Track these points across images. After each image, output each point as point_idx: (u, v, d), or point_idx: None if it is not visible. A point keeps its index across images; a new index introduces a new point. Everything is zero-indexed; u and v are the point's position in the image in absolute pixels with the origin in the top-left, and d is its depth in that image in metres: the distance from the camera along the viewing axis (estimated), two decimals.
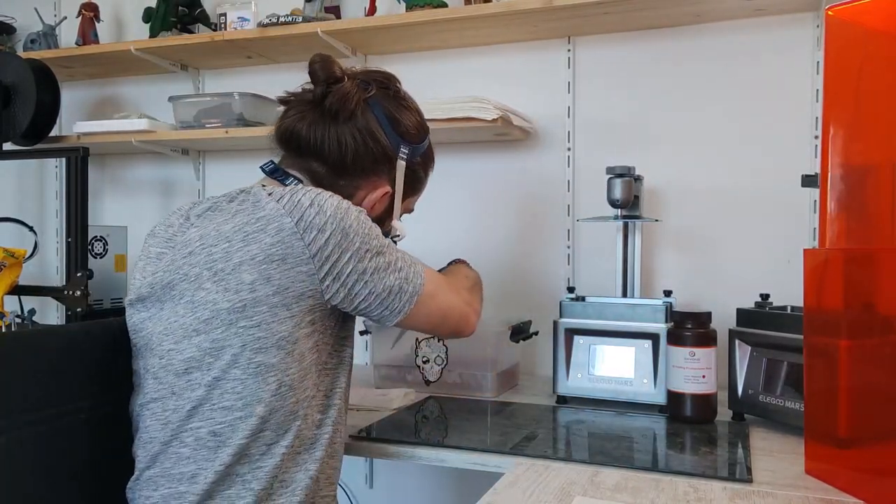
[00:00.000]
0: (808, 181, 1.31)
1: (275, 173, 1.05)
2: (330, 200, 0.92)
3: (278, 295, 0.89)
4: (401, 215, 1.16)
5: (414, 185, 1.15)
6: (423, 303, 1.00)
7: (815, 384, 0.97)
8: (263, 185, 1.00)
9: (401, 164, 1.09)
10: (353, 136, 1.04)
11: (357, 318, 1.04)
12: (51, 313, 2.31)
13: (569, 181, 1.79)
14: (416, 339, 1.50)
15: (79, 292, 1.86)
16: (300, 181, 1.04)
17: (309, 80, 1.06)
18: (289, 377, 0.91)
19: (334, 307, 0.95)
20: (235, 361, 0.89)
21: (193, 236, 0.95)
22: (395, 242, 1.11)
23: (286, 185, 1.02)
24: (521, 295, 1.82)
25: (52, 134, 2.08)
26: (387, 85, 1.10)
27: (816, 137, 1.58)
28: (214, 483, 0.89)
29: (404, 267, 0.98)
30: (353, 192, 1.07)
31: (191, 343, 0.91)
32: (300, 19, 1.81)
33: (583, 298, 1.46)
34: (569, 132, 1.79)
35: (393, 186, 1.10)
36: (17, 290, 2.00)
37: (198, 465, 0.90)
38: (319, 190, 0.94)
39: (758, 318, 1.26)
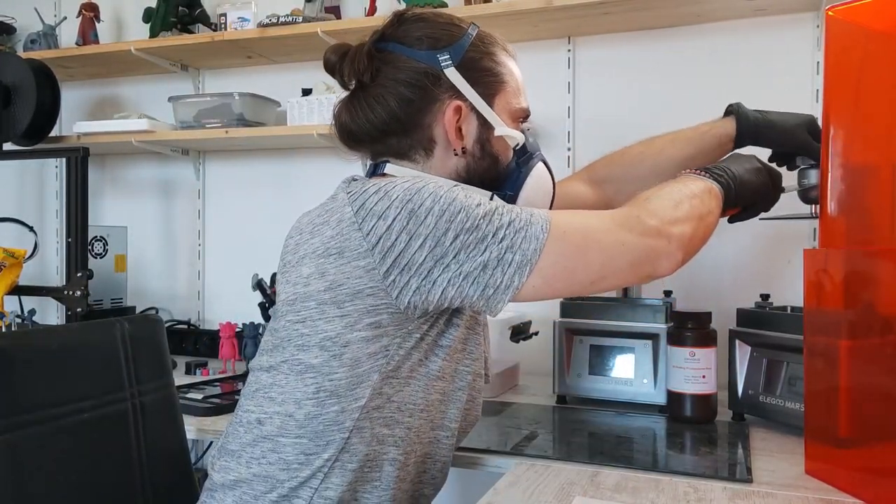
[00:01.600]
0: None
1: (376, 169, 0.94)
2: (403, 185, 0.79)
3: (330, 291, 0.81)
4: (516, 121, 0.96)
5: (490, 81, 0.93)
6: (545, 272, 0.80)
7: (815, 384, 0.97)
8: (353, 178, 0.90)
9: (450, 72, 0.90)
10: (385, 87, 0.90)
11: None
12: (51, 313, 2.30)
13: None
14: None
15: (79, 292, 1.86)
16: (388, 161, 0.93)
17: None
18: (331, 382, 0.82)
19: (416, 307, 0.81)
20: (283, 356, 0.86)
21: (291, 231, 0.91)
22: (516, 150, 0.95)
23: (383, 176, 0.92)
24: None
25: (52, 134, 2.08)
26: (391, 20, 0.97)
27: None
28: (249, 474, 0.86)
29: (509, 234, 0.79)
30: (431, 135, 0.91)
31: (267, 330, 0.91)
32: (300, 19, 1.81)
33: (583, 298, 1.46)
34: (569, 132, 1.79)
35: (462, 97, 0.91)
36: (17, 290, 2.00)
37: (241, 448, 0.88)
38: (408, 178, 0.82)
39: (758, 318, 1.26)
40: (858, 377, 0.90)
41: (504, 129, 0.93)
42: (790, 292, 1.52)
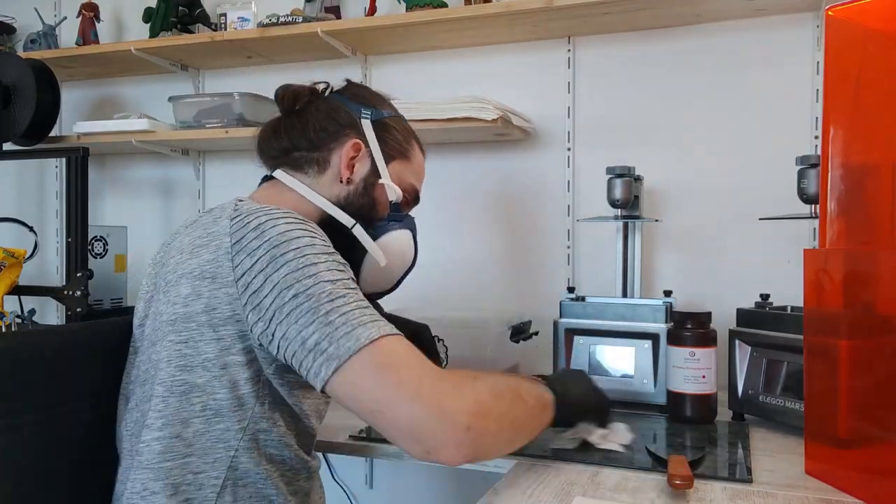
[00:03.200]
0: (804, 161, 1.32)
1: (265, 178, 1.08)
2: (279, 227, 0.83)
3: (206, 314, 0.84)
4: (403, 191, 1.09)
5: (394, 146, 1.08)
6: (348, 377, 0.78)
7: (815, 384, 0.97)
8: (238, 200, 0.95)
9: (365, 123, 1.06)
10: (312, 115, 1.05)
11: None
12: (51, 313, 2.30)
13: (569, 181, 1.79)
14: None
15: (79, 292, 1.86)
16: (281, 168, 1.05)
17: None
18: (216, 401, 0.85)
19: (266, 348, 0.84)
20: (161, 378, 0.86)
21: (171, 249, 0.94)
22: (391, 205, 1.07)
23: (272, 185, 1.05)
24: (521, 295, 1.82)
25: (52, 134, 2.08)
26: (343, 84, 1.12)
27: (816, 137, 1.58)
28: None
29: (339, 324, 0.78)
30: (329, 158, 1.04)
31: (146, 355, 0.91)
32: (300, 19, 1.81)
33: (583, 298, 1.46)
34: (569, 132, 1.79)
35: (365, 142, 1.05)
36: (17, 290, 2.00)
37: (144, 485, 0.86)
38: (284, 214, 0.86)
39: (758, 318, 1.26)
40: (858, 377, 0.90)
41: (387, 181, 1.05)
42: (790, 292, 1.52)
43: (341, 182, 1.03)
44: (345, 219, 1.01)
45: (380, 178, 1.05)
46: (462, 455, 0.79)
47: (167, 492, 0.84)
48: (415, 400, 0.78)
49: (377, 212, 1.05)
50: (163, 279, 0.91)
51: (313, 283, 0.80)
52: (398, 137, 1.09)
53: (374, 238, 1.03)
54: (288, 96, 1.06)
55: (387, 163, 1.06)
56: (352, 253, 0.99)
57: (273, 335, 0.81)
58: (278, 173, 1.04)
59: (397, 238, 1.05)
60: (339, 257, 0.86)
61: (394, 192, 1.06)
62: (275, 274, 0.80)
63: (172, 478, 0.84)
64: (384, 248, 1.03)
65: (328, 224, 0.99)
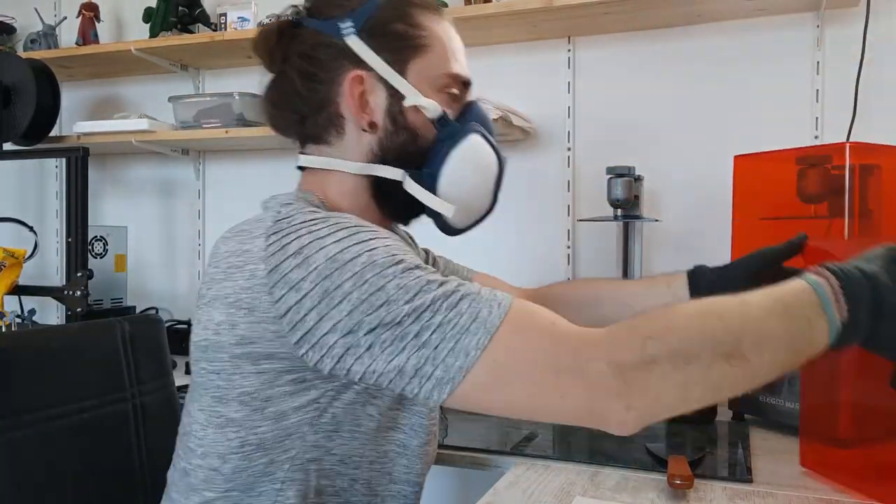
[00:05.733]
0: None
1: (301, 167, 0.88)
2: (326, 249, 0.67)
3: (241, 346, 0.71)
4: (442, 90, 0.83)
5: (399, 44, 0.81)
6: (468, 393, 0.65)
7: (814, 384, 0.97)
8: (282, 205, 0.78)
9: (352, 40, 0.79)
10: (291, 66, 0.81)
11: None
12: (51, 313, 2.30)
13: (569, 181, 1.79)
14: None
15: (79, 292, 1.86)
16: (304, 152, 0.86)
17: None
18: (256, 436, 0.73)
19: (337, 376, 0.71)
20: (200, 405, 0.76)
21: (215, 252, 0.79)
22: (437, 122, 0.81)
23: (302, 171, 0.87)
24: None
25: (52, 134, 2.08)
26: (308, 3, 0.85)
27: (816, 137, 1.58)
28: None
29: (436, 342, 0.64)
30: (339, 111, 0.81)
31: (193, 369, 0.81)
32: None
33: None
34: (569, 132, 1.79)
35: (364, 66, 0.79)
36: (17, 290, 2.00)
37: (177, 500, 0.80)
38: (330, 228, 0.69)
39: None
40: (858, 377, 0.90)
41: (417, 99, 0.79)
42: None
43: (364, 130, 0.80)
44: (391, 172, 0.81)
45: (404, 98, 0.80)
46: (628, 428, 0.70)
47: None
48: (558, 403, 0.67)
49: (420, 138, 0.81)
50: (204, 288, 0.76)
51: (387, 311, 0.64)
52: (399, 28, 0.81)
53: (436, 171, 0.81)
54: (262, 50, 0.83)
55: (402, 72, 0.80)
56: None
57: (351, 371, 0.67)
58: (303, 160, 0.86)
59: (462, 155, 0.82)
60: (404, 253, 0.70)
61: (428, 109, 0.81)
62: (333, 311, 0.65)
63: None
64: (453, 176, 0.81)
65: (383, 187, 0.82)
